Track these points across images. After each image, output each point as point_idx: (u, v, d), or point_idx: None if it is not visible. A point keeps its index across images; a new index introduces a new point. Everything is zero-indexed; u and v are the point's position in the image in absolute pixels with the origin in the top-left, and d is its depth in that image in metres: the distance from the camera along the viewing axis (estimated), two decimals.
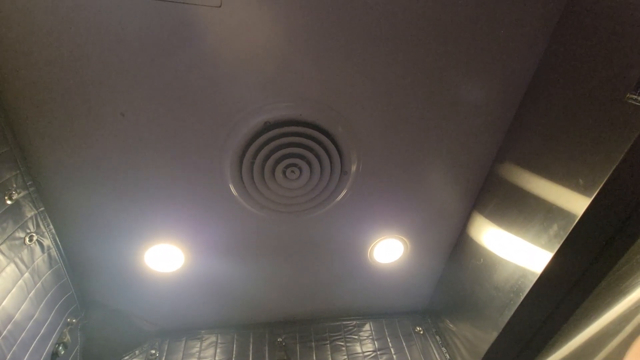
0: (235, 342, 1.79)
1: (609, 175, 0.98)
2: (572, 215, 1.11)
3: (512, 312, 1.38)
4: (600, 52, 1.03)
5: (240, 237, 1.54)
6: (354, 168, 1.40)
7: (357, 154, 1.37)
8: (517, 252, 1.35)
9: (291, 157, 1.30)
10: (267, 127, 1.24)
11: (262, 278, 1.72)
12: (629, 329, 1.05)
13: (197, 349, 1.74)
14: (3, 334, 1.07)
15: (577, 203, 1.09)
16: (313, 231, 1.58)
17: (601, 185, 1.00)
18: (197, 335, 1.81)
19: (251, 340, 1.81)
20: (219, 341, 1.78)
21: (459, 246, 1.76)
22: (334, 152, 1.33)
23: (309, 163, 1.33)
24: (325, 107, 1.23)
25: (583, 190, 1.07)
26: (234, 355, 1.72)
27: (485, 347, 1.58)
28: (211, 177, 1.33)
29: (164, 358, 1.69)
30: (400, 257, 1.76)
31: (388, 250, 1.72)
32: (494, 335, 1.49)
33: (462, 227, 1.72)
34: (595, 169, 1.03)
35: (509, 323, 1.41)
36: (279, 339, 1.81)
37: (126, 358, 1.66)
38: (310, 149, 1.31)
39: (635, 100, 0.91)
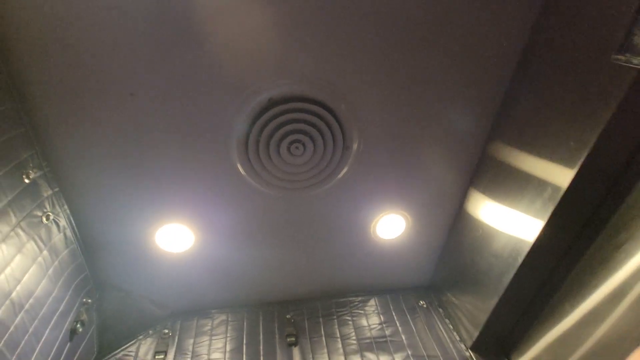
0: (245, 320, 1.84)
1: (599, 132, 1.04)
2: (558, 188, 1.19)
3: (511, 277, 1.45)
4: (586, 20, 1.08)
5: (247, 215, 1.60)
6: (355, 144, 1.45)
7: (359, 130, 1.42)
8: (512, 222, 1.43)
9: (295, 133, 1.35)
10: (272, 103, 1.29)
11: (270, 257, 1.77)
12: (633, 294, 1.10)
13: (209, 327, 1.80)
14: (25, 307, 1.12)
15: (564, 174, 1.16)
16: (318, 208, 1.64)
17: (593, 142, 1.06)
18: (208, 314, 1.86)
19: (261, 317, 1.87)
20: (230, 319, 1.84)
21: (458, 220, 1.82)
22: (336, 128, 1.38)
23: (312, 139, 1.38)
24: (328, 85, 1.28)
25: (574, 152, 1.14)
26: (245, 332, 1.78)
27: (485, 315, 1.64)
28: (218, 155, 1.38)
29: (177, 337, 1.74)
30: (402, 233, 1.82)
31: (390, 225, 1.78)
32: (494, 301, 1.56)
33: (460, 203, 1.78)
34: (585, 129, 1.09)
35: (509, 287, 1.47)
36: (288, 316, 1.87)
37: (140, 338, 1.71)
38: (314, 125, 1.36)
39: (620, 60, 0.97)
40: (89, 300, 1.52)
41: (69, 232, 1.38)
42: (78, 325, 1.41)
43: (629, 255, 1.14)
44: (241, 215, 1.59)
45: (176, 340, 1.73)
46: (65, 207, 1.35)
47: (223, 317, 1.86)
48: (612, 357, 1.18)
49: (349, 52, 1.22)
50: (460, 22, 1.21)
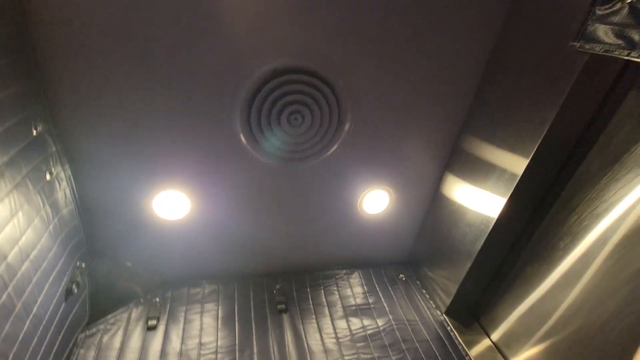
0: (236, 290, 1.90)
1: (559, 106, 1.24)
2: (515, 175, 1.41)
3: (482, 242, 1.63)
4: (549, 13, 1.29)
5: (244, 185, 1.67)
6: (348, 123, 1.58)
7: (352, 109, 1.55)
8: (481, 198, 1.64)
9: (296, 104, 1.46)
10: (276, 73, 1.39)
11: (262, 228, 1.85)
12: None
13: (200, 296, 1.84)
14: (30, 257, 1.14)
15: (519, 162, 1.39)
16: (310, 181, 1.74)
17: (553, 116, 1.27)
18: (199, 284, 1.90)
19: (251, 288, 1.94)
20: (221, 289, 1.89)
21: (436, 199, 2.01)
22: (333, 102, 1.50)
23: (311, 112, 1.49)
24: (329, 61, 1.41)
25: (537, 127, 1.34)
26: (236, 301, 1.84)
27: (456, 285, 1.84)
28: (220, 123, 1.46)
29: (168, 305, 1.77)
30: (386, 208, 1.97)
31: (376, 200, 1.93)
32: (467, 266, 1.74)
33: (437, 183, 1.97)
34: (547, 105, 1.29)
35: (480, 251, 1.66)
36: (277, 286, 1.96)
37: (131, 305, 1.73)
38: (314, 98, 1.47)
39: (575, 46, 1.17)
40: (83, 265, 1.53)
41: (68, 192, 1.40)
42: (74, 286, 1.42)
43: (581, 220, 1.37)
44: (238, 185, 1.66)
45: (168, 308, 1.76)
46: (67, 166, 1.37)
47: (214, 286, 1.91)
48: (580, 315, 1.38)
49: (352, 34, 1.36)
50: (440, 22, 1.41)
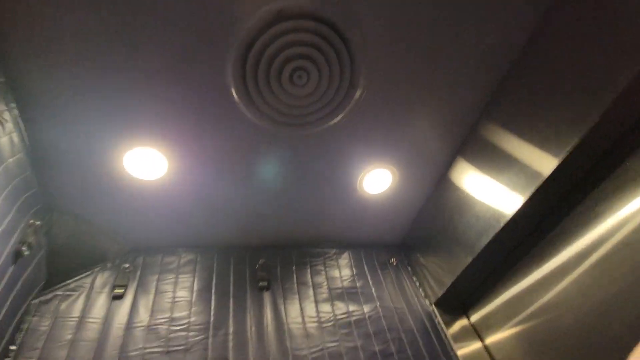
0: (215, 262, 1.75)
1: (600, 113, 1.05)
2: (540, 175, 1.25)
3: (491, 237, 1.49)
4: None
5: (232, 148, 1.45)
6: (359, 89, 1.34)
7: (367, 71, 1.31)
8: (495, 191, 1.48)
9: (302, 58, 1.21)
10: (280, 17, 1.13)
11: (249, 196, 1.66)
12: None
13: (175, 265, 1.68)
14: None
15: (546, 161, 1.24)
16: (308, 151, 1.53)
17: (590, 125, 1.08)
18: (175, 252, 1.74)
19: (232, 261, 1.78)
20: (199, 259, 1.73)
21: (442, 183, 1.83)
22: (346, 60, 1.25)
23: (318, 69, 1.25)
24: (348, 8, 1.14)
25: (567, 133, 1.16)
26: (214, 273, 1.69)
27: (452, 277, 1.72)
28: (209, 74, 1.20)
29: (139, 272, 1.61)
30: (387, 189, 1.79)
31: (377, 179, 1.74)
32: (468, 260, 1.61)
33: (446, 168, 1.79)
34: (583, 111, 1.10)
35: (485, 247, 1.52)
36: (261, 261, 1.81)
37: (96, 270, 1.55)
38: (324, 54, 1.22)
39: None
40: (37, 223, 1.32)
41: (16, 137, 1.15)
42: (24, 248, 1.22)
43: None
44: (225, 147, 1.44)
45: (138, 275, 1.59)
46: (14, 105, 1.11)
47: (191, 256, 1.74)
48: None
49: None
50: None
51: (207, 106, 1.29)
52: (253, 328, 1.51)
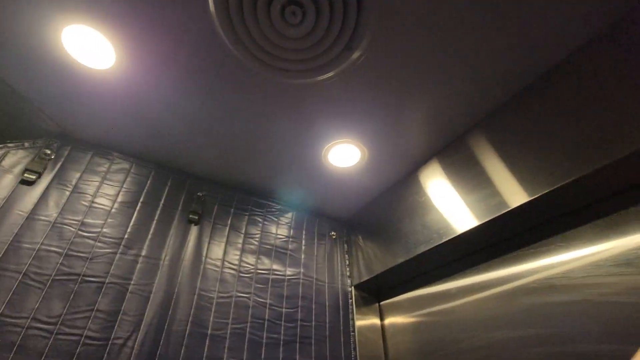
0: (151, 178, 1.62)
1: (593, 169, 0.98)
2: (505, 205, 1.21)
3: (427, 248, 1.48)
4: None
5: (200, 67, 1.25)
6: (362, 45, 1.16)
7: (373, 34, 1.12)
8: (455, 207, 1.42)
9: None
10: None
11: (203, 122, 1.49)
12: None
13: (104, 169, 1.53)
14: None
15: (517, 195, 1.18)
16: (284, 99, 1.37)
17: (572, 180, 1.01)
18: (108, 155, 1.57)
19: (169, 183, 1.66)
20: (133, 171, 1.59)
21: (408, 180, 1.77)
22: (353, 12, 1.06)
23: (317, 13, 1.05)
24: None
25: (548, 179, 1.09)
26: (145, 190, 1.57)
27: (381, 269, 1.74)
28: None
29: (60, 163, 1.45)
30: (352, 165, 1.70)
31: (344, 153, 1.64)
32: (400, 260, 1.62)
33: (417, 165, 1.71)
34: (578, 165, 1.02)
35: (421, 254, 1.52)
36: (200, 193, 1.70)
37: (10, 146, 1.37)
38: None
39: None
40: None
41: None
42: None
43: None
44: (191, 61, 1.24)
45: (58, 166, 1.44)
46: None
47: (125, 165, 1.59)
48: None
49: None
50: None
51: (183, 23, 1.07)
52: (167, 257, 1.45)
